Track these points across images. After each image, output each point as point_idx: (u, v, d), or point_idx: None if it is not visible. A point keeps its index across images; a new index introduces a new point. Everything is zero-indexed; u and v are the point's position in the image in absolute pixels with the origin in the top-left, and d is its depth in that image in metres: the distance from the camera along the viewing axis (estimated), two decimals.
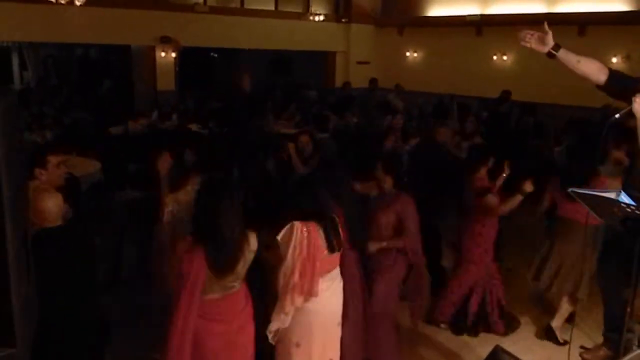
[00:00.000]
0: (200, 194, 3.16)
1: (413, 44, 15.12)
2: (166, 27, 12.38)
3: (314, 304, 3.35)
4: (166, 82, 12.92)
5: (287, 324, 3.35)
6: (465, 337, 4.91)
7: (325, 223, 3.38)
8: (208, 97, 11.84)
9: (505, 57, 12.90)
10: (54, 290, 2.86)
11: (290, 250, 3.26)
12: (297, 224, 3.29)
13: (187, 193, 4.40)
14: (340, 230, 3.49)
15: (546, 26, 3.35)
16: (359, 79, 14.34)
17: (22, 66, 17.09)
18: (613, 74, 3.56)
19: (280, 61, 17.45)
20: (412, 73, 14.70)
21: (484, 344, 4.52)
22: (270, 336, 3.38)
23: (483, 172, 4.88)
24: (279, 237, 3.30)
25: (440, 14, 14.19)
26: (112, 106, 9.95)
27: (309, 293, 3.30)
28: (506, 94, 10.52)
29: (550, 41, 3.37)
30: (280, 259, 3.31)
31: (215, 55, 18.33)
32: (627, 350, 3.83)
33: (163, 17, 12.33)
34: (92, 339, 3.20)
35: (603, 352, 4.29)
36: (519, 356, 3.70)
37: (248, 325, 3.26)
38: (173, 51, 12.84)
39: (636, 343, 3.96)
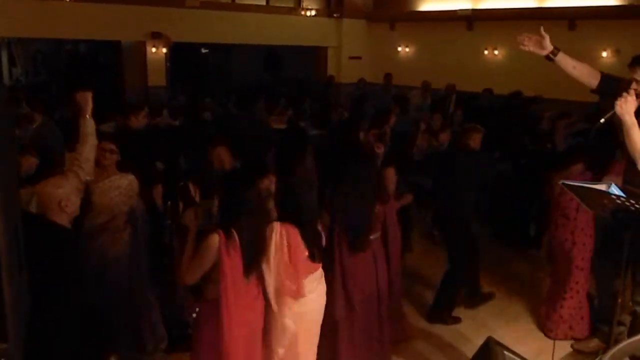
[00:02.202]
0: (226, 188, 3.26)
1: (405, 38, 15.11)
2: (157, 23, 12.28)
3: (299, 307, 3.37)
4: (157, 78, 12.83)
5: (293, 327, 3.35)
6: (459, 329, 4.95)
7: (304, 228, 3.36)
8: (200, 93, 11.79)
9: (496, 52, 12.91)
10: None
11: (272, 254, 3.25)
12: (276, 226, 3.30)
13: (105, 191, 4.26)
14: (322, 240, 3.52)
15: (542, 31, 3.45)
16: (351, 74, 14.35)
17: (11, 62, 16.95)
18: (604, 78, 3.72)
19: (273, 56, 17.41)
20: (404, 68, 14.68)
21: (477, 335, 4.56)
22: (281, 351, 3.39)
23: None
24: None
25: (431, 8, 14.18)
26: (102, 104, 9.85)
27: (296, 295, 3.31)
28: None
29: (549, 45, 3.50)
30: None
31: (207, 50, 18.26)
32: (618, 342, 3.88)
33: (153, 12, 12.23)
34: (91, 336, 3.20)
35: (594, 343, 4.32)
36: (510, 347, 3.74)
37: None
38: (164, 47, 12.76)
39: (627, 336, 3.99)
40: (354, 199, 3.87)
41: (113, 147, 4.27)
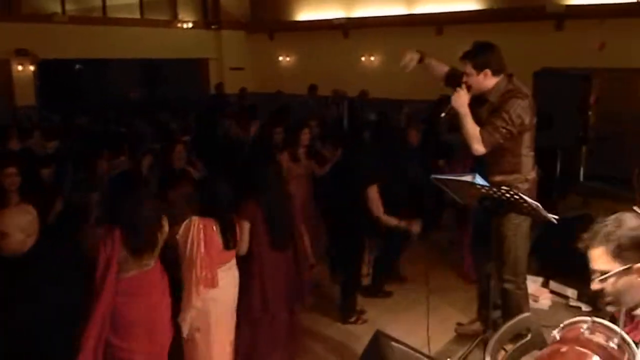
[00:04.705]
0: (113, 186, 3.53)
1: (284, 48, 15.32)
2: (22, 39, 11.61)
3: (213, 293, 3.64)
4: (25, 96, 12.08)
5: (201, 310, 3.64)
6: (349, 328, 5.05)
7: (222, 220, 3.66)
8: (75, 111, 11.21)
9: (372, 58, 13.43)
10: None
11: (189, 247, 3.54)
12: (195, 220, 3.57)
13: None
14: (238, 229, 3.80)
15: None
16: (234, 85, 14.30)
17: None
18: (448, 73, 4.13)
19: (151, 70, 16.94)
20: (286, 77, 14.88)
21: (367, 333, 4.62)
22: (184, 326, 3.63)
23: None
24: (178, 234, 3.57)
25: (308, 18, 14.48)
26: None
27: (211, 284, 3.59)
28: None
29: (415, 59, 4.09)
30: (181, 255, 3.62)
31: (80, 66, 17.41)
32: (498, 326, 4.15)
33: (17, 28, 11.54)
34: None
35: (476, 326, 4.57)
36: (400, 339, 3.88)
37: (165, 297, 3.54)
38: (31, 64, 12.05)
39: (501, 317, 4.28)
40: (276, 198, 4.09)
41: (14, 170, 4.14)
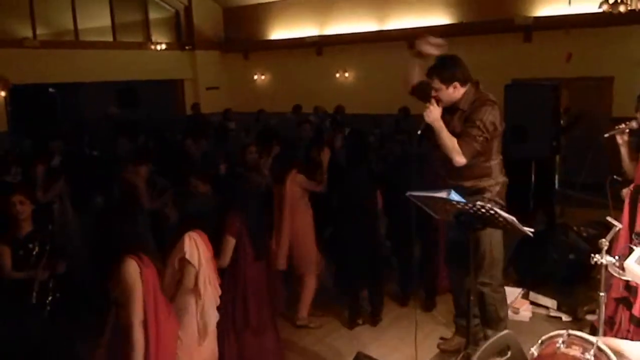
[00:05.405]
0: (123, 217, 3.34)
1: (259, 67, 15.38)
2: None
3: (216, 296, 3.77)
4: None
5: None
6: (333, 344, 5.02)
7: (207, 231, 3.75)
8: (48, 136, 11.03)
9: (347, 74, 13.53)
10: None
11: (199, 260, 3.57)
12: (192, 234, 3.61)
13: None
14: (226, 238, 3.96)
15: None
16: (210, 105, 14.29)
17: None
18: (416, 84, 4.22)
19: (127, 92, 16.79)
20: (262, 95, 14.93)
21: (350, 350, 4.62)
22: (206, 333, 3.64)
23: None
24: (186, 253, 3.52)
25: (281, 37, 14.57)
26: None
27: (218, 290, 3.74)
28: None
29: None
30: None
31: (53, 90, 17.21)
32: (476, 335, 4.17)
33: None
34: None
35: (456, 341, 4.58)
36: (386, 357, 3.88)
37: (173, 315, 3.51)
38: (2, 90, 11.90)
39: (480, 324, 4.30)
40: (255, 212, 4.23)
41: (20, 197, 4.08)
